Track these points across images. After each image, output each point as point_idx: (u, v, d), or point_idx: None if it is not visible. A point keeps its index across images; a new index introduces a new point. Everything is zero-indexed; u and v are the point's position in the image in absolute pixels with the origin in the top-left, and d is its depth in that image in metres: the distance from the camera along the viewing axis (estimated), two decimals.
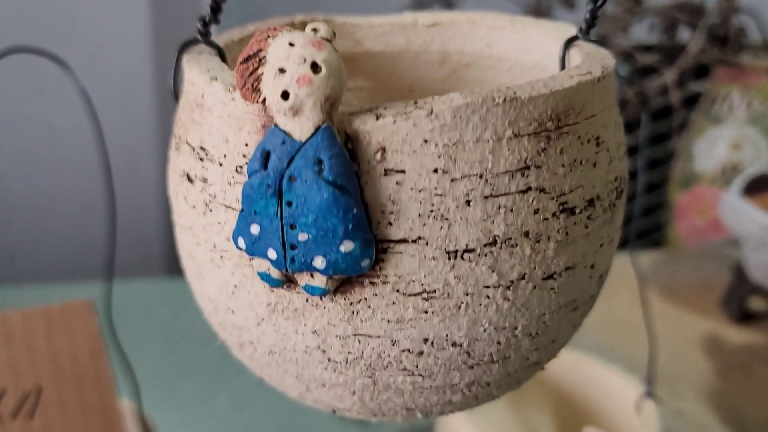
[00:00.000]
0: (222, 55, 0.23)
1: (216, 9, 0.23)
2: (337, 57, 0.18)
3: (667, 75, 0.80)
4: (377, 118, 0.19)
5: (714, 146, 0.88)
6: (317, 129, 0.18)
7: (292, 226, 0.19)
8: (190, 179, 0.22)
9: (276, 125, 0.18)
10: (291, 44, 0.18)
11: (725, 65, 0.88)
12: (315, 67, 0.18)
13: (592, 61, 0.22)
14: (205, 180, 0.22)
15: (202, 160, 0.22)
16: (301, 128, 0.18)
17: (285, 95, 0.18)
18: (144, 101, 0.96)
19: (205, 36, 0.23)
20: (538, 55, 0.26)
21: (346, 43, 0.28)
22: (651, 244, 1.19)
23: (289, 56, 0.18)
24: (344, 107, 0.19)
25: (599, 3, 0.23)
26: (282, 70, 0.18)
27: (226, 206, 0.21)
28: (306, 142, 0.18)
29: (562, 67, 0.24)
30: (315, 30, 0.18)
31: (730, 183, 0.83)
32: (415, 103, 0.19)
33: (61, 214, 1.00)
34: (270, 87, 0.18)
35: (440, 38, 0.28)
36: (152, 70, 0.94)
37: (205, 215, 0.22)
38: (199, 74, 0.21)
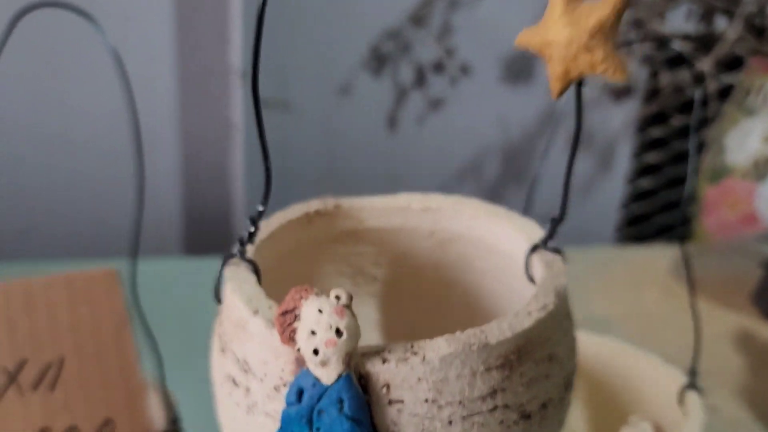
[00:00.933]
0: (256, 269, 0.29)
1: (252, 235, 0.29)
2: (355, 321, 0.24)
3: (702, 64, 0.78)
4: (383, 362, 0.25)
5: (747, 139, 0.86)
6: (339, 376, 0.24)
7: None
8: (235, 383, 0.28)
9: (308, 369, 0.24)
10: (320, 311, 0.24)
11: (760, 56, 0.85)
12: (338, 332, 0.23)
13: (548, 284, 0.28)
14: (248, 389, 0.27)
15: (245, 372, 0.27)
16: (327, 376, 0.24)
17: (315, 351, 0.24)
18: (166, 79, 0.95)
19: (243, 254, 0.29)
20: (508, 244, 0.32)
21: (352, 222, 0.34)
22: (676, 237, 1.16)
23: (318, 322, 0.24)
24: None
25: (558, 222, 0.29)
26: (313, 332, 0.24)
27: (266, 413, 0.26)
28: (331, 386, 0.24)
29: (527, 266, 0.31)
30: (338, 297, 0.24)
31: (763, 176, 0.80)
32: (412, 347, 0.25)
33: (77, 192, 0.99)
34: (304, 344, 0.24)
35: (430, 220, 0.34)
36: (175, 48, 0.93)
37: (248, 415, 0.27)
38: (243, 304, 0.27)
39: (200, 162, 0.99)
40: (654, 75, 1.02)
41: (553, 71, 0.24)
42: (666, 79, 0.85)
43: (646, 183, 1.13)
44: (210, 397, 0.61)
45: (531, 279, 0.30)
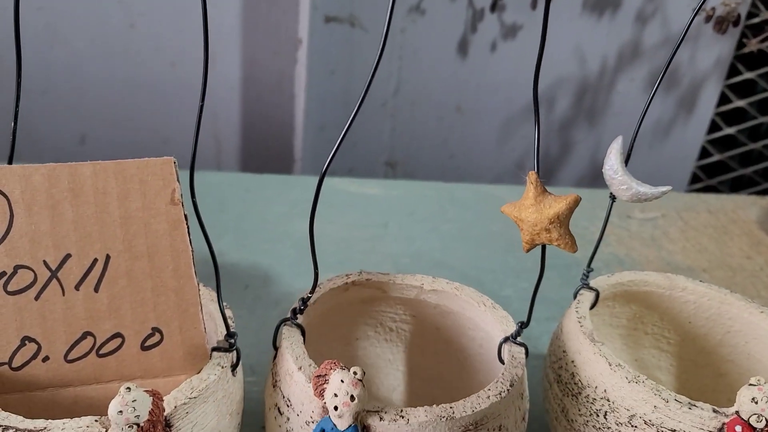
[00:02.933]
0: (302, 331, 0.38)
1: (303, 308, 0.39)
2: (365, 390, 0.32)
3: None
4: (380, 419, 0.33)
5: None
6: (349, 426, 0.33)
7: None
8: (280, 411, 0.37)
9: (329, 416, 0.33)
10: (342, 381, 0.32)
11: None
12: (352, 398, 0.32)
13: (507, 374, 0.36)
14: (288, 419, 0.36)
15: (288, 405, 0.36)
16: (342, 424, 0.33)
17: (336, 407, 0.32)
18: None
19: (295, 319, 0.38)
20: (489, 327, 0.41)
21: (378, 292, 0.44)
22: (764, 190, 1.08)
23: (340, 388, 0.32)
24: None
25: (524, 326, 0.38)
26: (335, 395, 0.32)
27: None
28: (343, 431, 0.33)
29: (499, 350, 0.39)
30: (355, 373, 0.32)
31: None
32: (401, 412, 0.33)
33: (135, 101, 0.96)
34: (329, 400, 0.33)
35: (436, 296, 0.44)
36: None
37: None
38: (292, 360, 0.36)
39: (261, 78, 0.94)
40: (752, 15, 0.93)
41: (523, 238, 0.33)
42: None
43: (729, 130, 1.05)
44: (262, 315, 0.58)
45: (501, 360, 0.39)
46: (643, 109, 0.39)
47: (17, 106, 0.33)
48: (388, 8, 0.30)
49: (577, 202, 0.32)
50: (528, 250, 0.34)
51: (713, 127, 1.06)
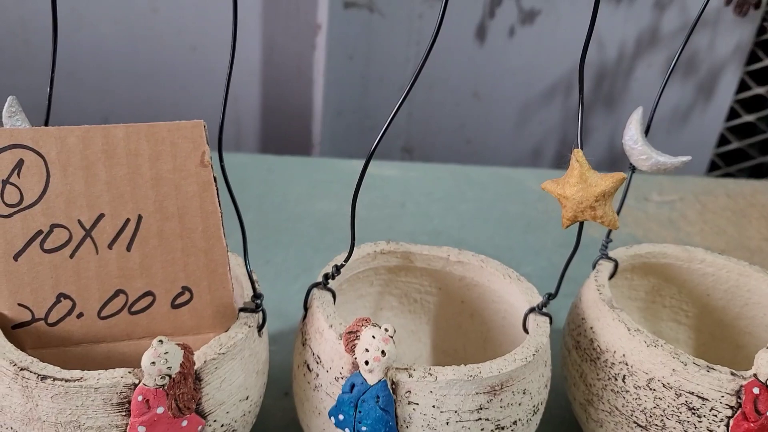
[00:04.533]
0: (333, 294, 0.39)
1: (336, 274, 0.39)
2: (395, 347, 0.33)
3: None
4: (409, 376, 0.34)
5: None
6: (379, 381, 0.34)
7: (359, 422, 0.34)
8: (309, 368, 0.38)
9: (359, 371, 0.34)
10: (373, 336, 0.33)
11: None
12: (383, 353, 0.33)
13: (532, 341, 0.37)
14: (317, 375, 0.37)
15: (317, 363, 0.37)
16: (371, 379, 0.34)
17: (366, 362, 0.33)
18: None
19: (326, 284, 0.39)
20: (514, 299, 0.42)
21: (405, 261, 0.45)
22: None
23: (371, 344, 0.33)
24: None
25: (551, 297, 0.38)
26: (366, 350, 0.33)
27: (326, 393, 0.37)
28: (372, 386, 0.34)
29: (524, 321, 0.40)
30: (386, 330, 0.33)
31: None
32: (429, 369, 0.34)
33: (158, 82, 0.97)
34: (359, 356, 0.34)
35: (462, 268, 0.44)
36: None
37: (314, 392, 0.38)
38: (323, 318, 0.37)
39: (280, 63, 0.95)
40: None
41: (565, 214, 0.34)
42: None
43: (748, 117, 1.04)
44: (283, 288, 0.59)
45: (525, 330, 0.40)
46: (657, 92, 0.40)
47: (53, 71, 0.34)
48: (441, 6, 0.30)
49: (622, 180, 0.33)
50: (567, 227, 0.34)
51: (732, 114, 1.06)
